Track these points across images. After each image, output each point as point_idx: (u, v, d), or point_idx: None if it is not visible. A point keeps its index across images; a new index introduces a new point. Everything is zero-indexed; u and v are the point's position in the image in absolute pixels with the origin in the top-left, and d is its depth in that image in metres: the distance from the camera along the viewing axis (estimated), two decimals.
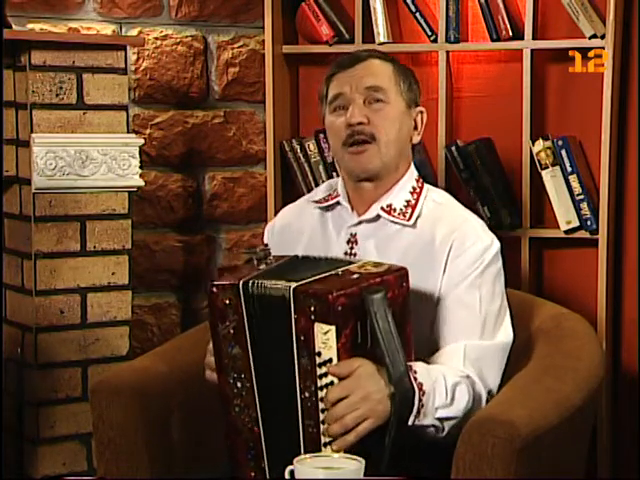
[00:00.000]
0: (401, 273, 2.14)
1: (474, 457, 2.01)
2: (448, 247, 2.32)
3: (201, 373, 2.34)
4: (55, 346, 2.94)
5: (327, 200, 2.47)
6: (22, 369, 2.97)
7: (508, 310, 2.37)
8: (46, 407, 2.94)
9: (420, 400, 2.09)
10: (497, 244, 2.37)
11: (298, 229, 2.48)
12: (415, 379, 2.09)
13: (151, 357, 2.57)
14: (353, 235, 2.40)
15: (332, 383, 2.05)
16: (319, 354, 2.04)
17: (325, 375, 2.05)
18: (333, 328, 2.02)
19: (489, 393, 2.26)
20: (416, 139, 2.45)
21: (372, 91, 2.36)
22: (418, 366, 2.14)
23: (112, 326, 3.01)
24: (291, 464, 1.87)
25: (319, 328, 2.04)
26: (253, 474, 2.19)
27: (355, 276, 2.10)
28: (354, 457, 1.90)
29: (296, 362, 2.07)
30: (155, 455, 2.35)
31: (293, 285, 2.07)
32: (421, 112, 2.45)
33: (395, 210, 2.38)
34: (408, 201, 2.39)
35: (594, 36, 2.96)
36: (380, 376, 2.06)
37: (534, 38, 3.04)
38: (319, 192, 2.52)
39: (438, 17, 3.13)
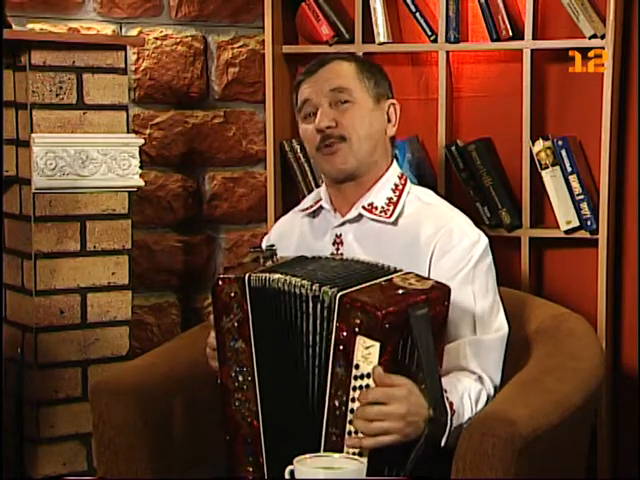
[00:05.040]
0: (444, 291, 2.12)
1: (474, 457, 2.01)
2: (433, 246, 2.32)
3: (201, 373, 2.35)
4: (55, 346, 2.94)
5: (312, 206, 2.49)
6: (22, 369, 2.97)
7: (501, 303, 2.38)
8: (46, 407, 2.94)
9: (451, 421, 2.10)
10: (485, 239, 2.37)
11: (290, 239, 2.50)
12: (447, 398, 2.10)
13: (151, 357, 2.57)
14: (338, 236, 2.42)
15: None
16: (357, 366, 2.03)
17: (360, 387, 2.03)
18: (377, 345, 2.00)
19: (496, 388, 2.28)
20: (391, 131, 2.45)
21: (337, 92, 2.38)
22: (448, 384, 2.14)
23: (112, 326, 3.01)
24: (290, 461, 1.87)
25: (361, 341, 2.01)
26: (250, 469, 2.19)
27: (400, 291, 2.07)
28: (355, 457, 1.90)
29: (330, 369, 2.06)
30: (155, 455, 2.35)
31: (338, 293, 2.05)
32: (393, 104, 2.45)
33: (377, 208, 2.39)
34: (390, 198, 2.40)
35: (594, 36, 2.96)
36: (422, 398, 2.05)
37: (534, 38, 3.03)
38: (307, 201, 2.55)
39: (438, 17, 3.13)
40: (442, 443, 2.09)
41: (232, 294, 2.16)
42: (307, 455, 1.90)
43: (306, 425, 2.10)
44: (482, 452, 2.01)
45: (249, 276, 2.15)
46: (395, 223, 2.38)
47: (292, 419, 2.13)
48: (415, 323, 2.01)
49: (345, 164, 2.36)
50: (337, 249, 2.41)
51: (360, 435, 2.03)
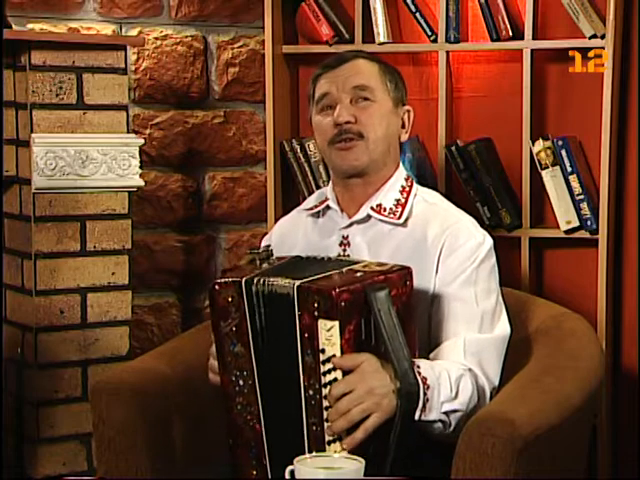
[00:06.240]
0: (405, 272, 2.15)
1: (474, 457, 2.01)
2: (440, 246, 2.33)
3: (201, 374, 2.35)
4: (55, 346, 2.94)
5: (317, 207, 2.49)
6: (22, 369, 2.97)
7: (504, 305, 2.38)
8: (46, 407, 2.94)
9: (425, 394, 2.09)
10: (490, 240, 2.38)
11: (293, 239, 2.50)
12: (419, 373, 2.10)
13: (151, 357, 2.57)
14: (345, 237, 2.42)
15: (336, 380, 2.05)
16: (323, 351, 2.05)
17: (329, 372, 2.05)
18: (336, 324, 2.02)
19: (492, 386, 2.27)
20: (404, 137, 2.47)
21: (359, 90, 2.38)
22: (421, 362, 2.15)
23: (112, 326, 3.01)
24: (293, 463, 1.88)
25: (322, 324, 2.04)
26: (255, 472, 2.19)
27: (359, 274, 2.11)
28: (354, 457, 1.90)
29: (300, 360, 2.07)
30: (155, 455, 2.35)
31: (297, 282, 2.07)
32: (408, 111, 2.47)
33: (385, 210, 2.39)
34: (398, 200, 2.41)
35: (594, 36, 2.96)
36: (385, 371, 2.06)
37: (534, 38, 3.04)
38: (310, 201, 2.55)
39: (438, 17, 3.13)
40: (416, 417, 2.08)
41: (229, 298, 2.17)
42: (307, 455, 1.91)
43: (300, 422, 2.11)
44: (482, 452, 2.01)
45: (245, 280, 2.15)
46: (404, 225, 2.39)
47: (290, 419, 2.13)
48: (374, 301, 2.03)
49: (358, 160, 2.37)
50: (344, 250, 2.41)
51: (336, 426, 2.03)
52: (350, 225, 2.42)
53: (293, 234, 2.51)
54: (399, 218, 2.38)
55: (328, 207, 2.46)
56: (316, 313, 2.04)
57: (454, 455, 2.05)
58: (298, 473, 1.85)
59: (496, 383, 2.29)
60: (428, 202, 2.43)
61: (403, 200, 2.41)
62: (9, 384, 2.98)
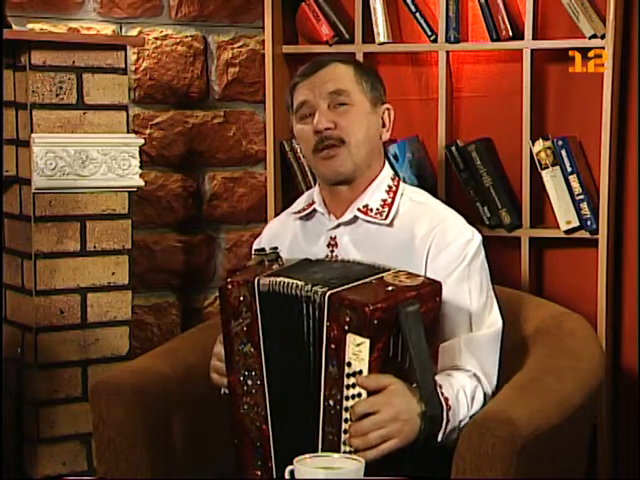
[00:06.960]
0: (435, 287, 2.13)
1: (474, 457, 2.01)
2: (428, 245, 2.33)
3: (201, 374, 2.35)
4: (55, 346, 2.94)
5: (305, 209, 2.49)
6: (22, 369, 2.97)
7: (495, 299, 2.38)
8: (46, 407, 2.94)
9: (447, 415, 2.10)
10: (479, 236, 2.38)
11: (282, 242, 2.49)
12: (442, 394, 2.10)
13: (151, 357, 2.57)
14: (333, 238, 2.42)
15: (360, 395, 2.04)
16: (349, 364, 2.04)
17: (353, 386, 2.04)
18: (367, 341, 2.01)
19: (492, 385, 2.28)
20: (385, 136, 2.46)
21: (335, 95, 2.38)
22: (443, 380, 2.15)
23: (112, 326, 3.01)
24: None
25: (352, 339, 2.02)
26: (259, 473, 2.19)
27: (390, 288, 2.08)
28: (354, 457, 1.90)
29: (323, 369, 2.06)
30: (155, 455, 2.35)
31: (328, 292, 2.06)
32: (388, 109, 2.46)
33: (372, 210, 2.39)
34: (384, 200, 2.41)
35: (594, 36, 2.96)
36: (411, 395, 2.06)
37: (534, 38, 3.04)
38: (299, 203, 2.55)
39: (438, 17, 3.13)
40: (439, 438, 2.10)
41: (241, 298, 2.16)
42: (307, 455, 1.90)
43: (312, 427, 2.11)
44: (482, 452, 2.01)
45: (258, 280, 2.15)
46: (391, 224, 2.38)
47: (299, 422, 2.13)
48: (404, 319, 2.02)
49: (342, 167, 2.36)
50: (332, 251, 2.41)
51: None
52: (337, 226, 2.42)
53: (282, 237, 2.51)
54: (385, 218, 2.38)
55: (315, 210, 2.46)
56: (346, 327, 2.03)
57: (454, 455, 2.05)
58: (298, 473, 1.85)
59: (495, 379, 2.29)
60: (415, 201, 2.43)
61: (390, 200, 2.41)
62: (9, 384, 2.98)
